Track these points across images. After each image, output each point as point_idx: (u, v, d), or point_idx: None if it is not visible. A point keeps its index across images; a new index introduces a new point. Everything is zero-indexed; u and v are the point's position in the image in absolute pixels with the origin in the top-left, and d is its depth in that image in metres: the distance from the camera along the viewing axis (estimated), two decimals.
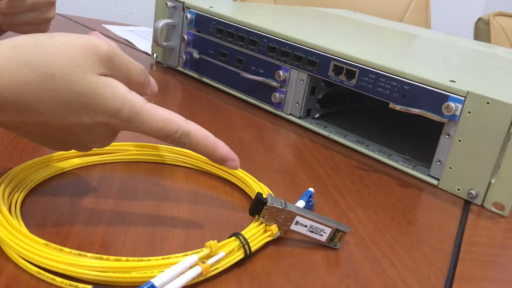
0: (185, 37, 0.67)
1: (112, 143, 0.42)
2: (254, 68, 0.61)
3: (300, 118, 0.58)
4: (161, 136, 0.31)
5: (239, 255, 0.31)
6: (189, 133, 0.32)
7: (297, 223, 0.33)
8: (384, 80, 0.50)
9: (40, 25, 0.53)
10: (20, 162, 0.37)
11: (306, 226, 0.34)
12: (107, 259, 0.27)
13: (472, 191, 0.45)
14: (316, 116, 0.60)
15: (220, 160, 0.34)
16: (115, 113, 0.30)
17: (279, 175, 0.45)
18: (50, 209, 0.34)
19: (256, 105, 0.62)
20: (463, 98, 0.45)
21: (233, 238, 0.31)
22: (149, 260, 0.28)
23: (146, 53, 0.80)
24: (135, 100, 0.30)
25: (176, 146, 0.32)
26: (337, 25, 0.75)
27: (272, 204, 0.33)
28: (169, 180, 0.40)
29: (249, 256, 0.31)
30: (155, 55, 0.73)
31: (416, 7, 1.35)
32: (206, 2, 0.68)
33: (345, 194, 0.43)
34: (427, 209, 0.43)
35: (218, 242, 0.30)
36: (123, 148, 0.42)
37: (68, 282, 0.27)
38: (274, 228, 0.33)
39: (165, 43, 0.69)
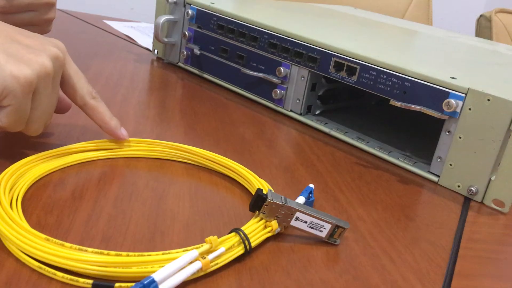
0: (186, 33, 0.67)
1: (113, 139, 0.42)
2: (255, 64, 0.61)
3: (300, 114, 0.58)
4: (81, 86, 0.39)
5: (239, 250, 0.31)
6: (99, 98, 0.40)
7: (297, 219, 0.34)
8: (385, 76, 0.50)
9: (41, 26, 0.53)
10: (22, 157, 0.37)
11: (306, 222, 0.34)
12: (108, 254, 0.27)
13: (472, 188, 0.45)
14: (316, 113, 0.60)
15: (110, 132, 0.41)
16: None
17: (280, 171, 0.45)
18: (51, 204, 0.34)
19: (257, 101, 0.62)
20: (463, 95, 0.45)
21: (233, 233, 0.31)
22: (150, 255, 0.28)
23: (147, 49, 0.80)
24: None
25: (87, 104, 0.39)
26: (338, 21, 0.75)
27: (272, 200, 0.33)
28: (169, 175, 0.40)
29: (249, 251, 0.31)
30: (156, 51, 0.73)
31: (417, 4, 1.35)
32: None
33: (345, 190, 0.43)
34: (427, 205, 0.43)
35: (218, 237, 0.30)
36: (124, 144, 0.42)
37: (69, 276, 0.27)
38: (274, 224, 0.33)
39: (166, 39, 0.69)
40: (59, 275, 0.27)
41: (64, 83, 0.38)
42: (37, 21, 0.52)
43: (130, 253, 0.28)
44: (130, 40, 0.84)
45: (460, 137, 0.45)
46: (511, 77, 0.54)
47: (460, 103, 0.45)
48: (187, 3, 0.67)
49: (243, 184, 0.40)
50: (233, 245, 0.31)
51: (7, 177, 0.34)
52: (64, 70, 0.38)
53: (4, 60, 0.33)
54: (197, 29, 0.66)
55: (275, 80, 0.58)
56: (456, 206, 0.44)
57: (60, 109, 0.42)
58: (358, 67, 0.52)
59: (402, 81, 0.48)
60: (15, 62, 0.33)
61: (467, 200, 0.46)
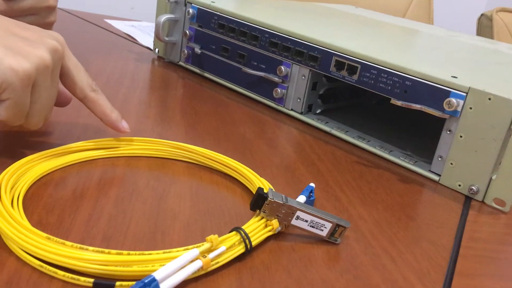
0: (187, 32, 0.67)
1: (114, 138, 0.42)
2: (256, 63, 0.61)
3: (301, 113, 0.58)
4: (81, 78, 0.39)
5: (239, 249, 0.31)
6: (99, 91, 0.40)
7: (297, 218, 0.34)
8: (385, 75, 0.50)
9: None
10: (22, 156, 0.37)
11: (306, 221, 0.34)
12: (109, 253, 0.27)
13: (473, 187, 0.45)
14: (317, 112, 0.60)
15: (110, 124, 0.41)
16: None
17: (280, 170, 0.45)
18: (52, 203, 0.34)
19: (258, 100, 0.62)
20: (464, 94, 0.45)
21: (234, 232, 0.31)
22: (151, 254, 0.28)
23: (148, 48, 0.80)
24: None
25: (87, 96, 0.39)
26: (339, 20, 0.75)
27: (273, 199, 0.33)
28: (170, 174, 0.40)
29: (249, 250, 0.31)
30: (157, 50, 0.73)
31: (418, 2, 1.35)
32: None
33: (346, 189, 0.43)
34: (428, 205, 0.43)
35: (219, 236, 0.30)
36: (125, 143, 0.42)
37: (70, 275, 0.27)
38: (274, 223, 0.33)
39: (167, 38, 0.69)
40: (60, 273, 0.27)
41: (64, 76, 0.38)
42: (38, 24, 0.51)
43: (131, 252, 0.28)
44: (131, 39, 0.84)
45: (461, 136, 0.45)
46: None
47: (461, 102, 0.45)
48: (188, 2, 0.67)
49: (244, 183, 0.40)
50: (234, 244, 0.31)
51: (8, 176, 0.34)
52: (63, 63, 0.37)
53: (2, 53, 0.33)
54: (198, 28, 0.66)
55: (276, 79, 0.58)
56: (457, 205, 0.44)
57: (60, 102, 0.42)
58: (359, 66, 0.51)
59: (403, 80, 0.48)
60: (14, 55, 0.33)
61: (468, 199, 0.46)
